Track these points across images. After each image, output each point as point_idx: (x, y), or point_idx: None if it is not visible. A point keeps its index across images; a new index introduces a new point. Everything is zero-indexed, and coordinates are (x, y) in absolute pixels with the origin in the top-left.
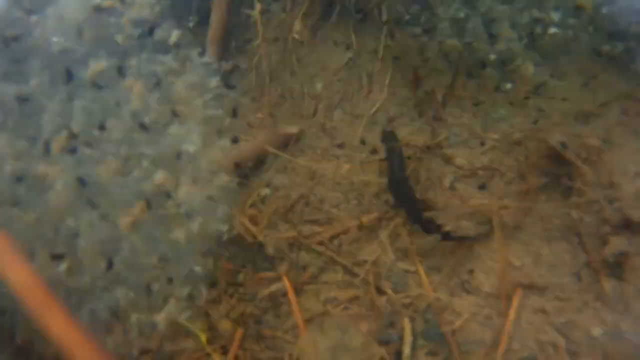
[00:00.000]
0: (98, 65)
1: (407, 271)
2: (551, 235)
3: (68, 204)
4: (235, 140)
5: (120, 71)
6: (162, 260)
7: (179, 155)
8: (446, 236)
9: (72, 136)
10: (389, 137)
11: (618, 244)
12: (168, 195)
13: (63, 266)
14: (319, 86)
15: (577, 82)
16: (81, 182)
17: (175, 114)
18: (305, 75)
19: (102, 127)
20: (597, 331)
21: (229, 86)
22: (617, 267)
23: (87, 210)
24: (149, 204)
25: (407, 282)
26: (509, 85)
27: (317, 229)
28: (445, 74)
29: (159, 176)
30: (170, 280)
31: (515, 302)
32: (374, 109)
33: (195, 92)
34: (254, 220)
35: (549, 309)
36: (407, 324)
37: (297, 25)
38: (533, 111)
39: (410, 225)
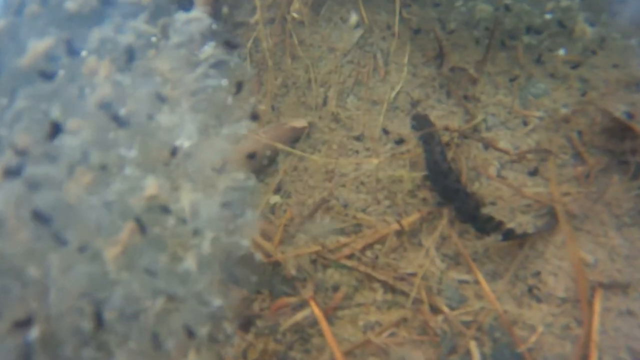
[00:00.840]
0: (41, 44)
1: (462, 281)
2: (623, 223)
3: (26, 247)
4: (254, 117)
5: (74, 49)
6: (170, 300)
7: (173, 152)
8: (509, 235)
9: (17, 153)
10: (422, 121)
11: None
12: (165, 210)
13: (32, 335)
14: (326, 70)
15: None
16: (37, 214)
17: (160, 99)
18: (309, 59)
19: (58, 131)
20: None
21: (230, 45)
22: None
23: (54, 249)
24: (140, 225)
25: (464, 295)
26: (561, 52)
27: (344, 239)
28: (474, 46)
29: (150, 185)
30: (186, 328)
31: (596, 306)
32: (394, 93)
33: (183, 65)
34: (265, 235)
35: (636, 309)
36: (473, 347)
37: (296, 3)
38: (577, 82)
39: (460, 226)
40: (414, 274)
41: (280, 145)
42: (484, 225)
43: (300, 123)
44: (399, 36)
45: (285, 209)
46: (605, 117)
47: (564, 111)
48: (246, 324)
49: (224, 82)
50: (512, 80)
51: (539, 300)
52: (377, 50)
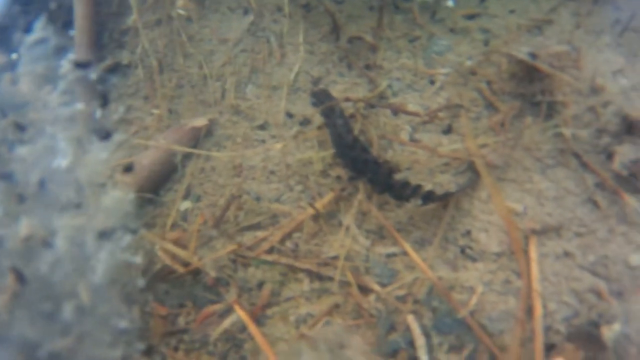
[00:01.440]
0: None
1: (390, 255)
2: (546, 165)
3: None
4: (106, 136)
5: None
6: (65, 333)
7: (42, 183)
8: (429, 197)
9: None
10: (321, 96)
11: (626, 151)
12: (46, 244)
13: None
14: (220, 63)
15: None
16: None
17: (19, 127)
18: (201, 54)
19: None
20: (635, 259)
21: (81, 65)
22: (633, 179)
23: None
24: (20, 277)
25: (394, 269)
26: (449, 3)
27: (261, 234)
28: (369, 14)
29: (24, 225)
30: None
31: (532, 254)
32: (293, 74)
33: (45, 86)
34: (180, 244)
35: (573, 250)
36: (411, 321)
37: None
38: (479, 33)
39: (378, 198)
40: (337, 257)
41: (179, 148)
42: (401, 192)
43: (200, 122)
44: (290, 16)
45: (197, 214)
46: (510, 62)
47: (469, 64)
48: (174, 343)
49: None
50: (412, 41)
51: (473, 259)
52: (270, 34)
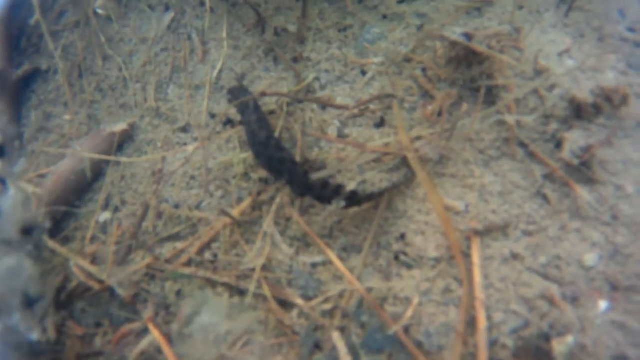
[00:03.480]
0: None
1: (315, 264)
2: (489, 157)
3: None
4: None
5: None
6: None
7: None
8: (352, 198)
9: None
10: (237, 92)
11: (576, 138)
12: None
13: None
14: (140, 64)
15: None
16: None
17: None
18: (121, 56)
19: None
20: (591, 258)
21: None
22: (585, 168)
23: None
24: None
25: (320, 280)
26: None
27: (180, 244)
28: (296, 5)
29: None
30: None
31: (475, 258)
32: (215, 72)
33: None
34: (98, 259)
35: (521, 251)
36: (338, 339)
37: None
38: (413, 19)
39: (302, 200)
40: (263, 268)
41: (95, 156)
42: (321, 193)
43: (119, 127)
44: (213, 10)
45: (116, 224)
46: (446, 46)
47: (403, 51)
48: None
49: None
50: (343, 30)
51: (409, 266)
52: (192, 31)
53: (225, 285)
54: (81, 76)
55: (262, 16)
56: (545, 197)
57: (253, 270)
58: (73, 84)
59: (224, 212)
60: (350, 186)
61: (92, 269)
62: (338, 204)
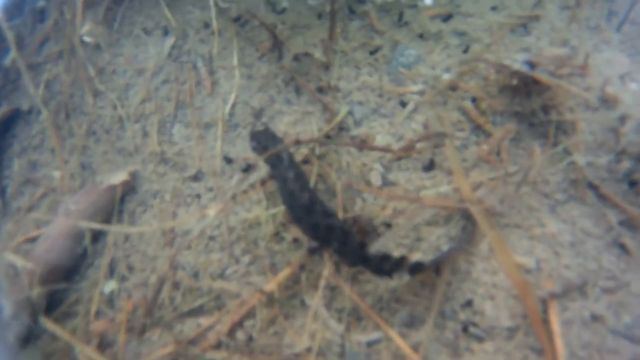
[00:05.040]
0: None
1: (372, 342)
2: (556, 201)
3: None
4: None
5: None
6: None
7: None
8: (417, 269)
9: None
10: (263, 138)
11: None
12: None
13: None
14: (138, 100)
15: None
16: None
17: None
18: (115, 91)
19: None
20: None
21: None
22: None
23: None
24: None
25: None
26: (428, 1)
27: (205, 321)
28: (317, 23)
29: None
30: None
31: (554, 324)
32: (228, 107)
33: None
34: (105, 340)
35: (603, 311)
36: None
37: (86, 24)
38: (452, 38)
39: (349, 268)
40: (306, 351)
41: (91, 225)
42: (381, 266)
43: (119, 177)
44: (220, 33)
45: (125, 297)
46: (499, 72)
47: (447, 77)
48: None
49: None
50: (373, 53)
51: (479, 338)
52: (197, 58)
53: None
54: (69, 117)
55: (279, 39)
56: (623, 247)
57: (298, 355)
58: (60, 126)
59: (261, 292)
60: (415, 257)
61: (98, 357)
62: (401, 279)
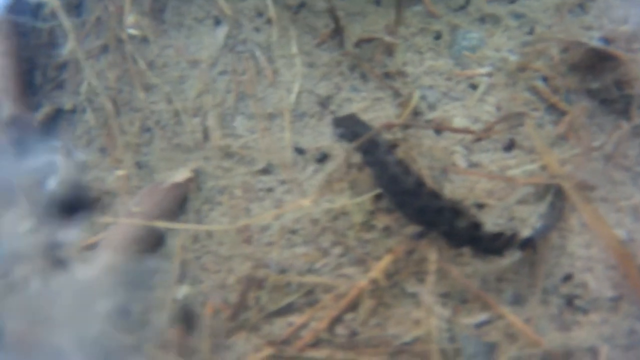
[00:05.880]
0: None
1: (481, 324)
2: (636, 174)
3: None
4: None
5: None
6: None
7: None
8: (527, 244)
9: None
10: (349, 125)
11: None
12: None
13: None
14: (195, 93)
15: None
16: None
17: None
18: (168, 84)
19: None
20: None
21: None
22: None
23: None
24: None
25: (491, 343)
26: None
27: (297, 319)
28: (374, 7)
29: None
30: None
31: None
32: (293, 96)
33: None
34: (186, 350)
35: None
36: None
37: (130, 15)
38: (511, 20)
39: (447, 250)
40: (415, 340)
41: (158, 224)
42: (492, 245)
43: (181, 175)
44: (277, 20)
45: (202, 301)
46: (569, 52)
47: (513, 58)
48: None
49: None
50: (437, 38)
51: (584, 311)
52: (255, 47)
53: None
54: (119, 114)
55: (340, 23)
56: None
57: (407, 343)
58: (109, 124)
59: (360, 274)
60: (524, 233)
61: None
62: (512, 256)
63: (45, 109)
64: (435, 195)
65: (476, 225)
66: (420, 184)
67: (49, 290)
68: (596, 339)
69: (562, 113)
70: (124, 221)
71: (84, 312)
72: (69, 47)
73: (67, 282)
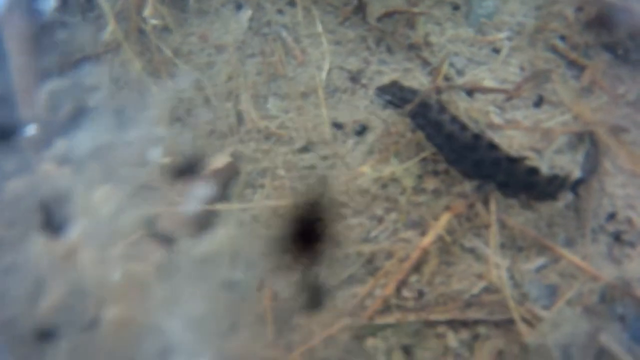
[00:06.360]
0: None
1: (540, 268)
2: None
3: None
4: None
5: None
6: None
7: None
8: (578, 184)
9: None
10: (396, 92)
11: None
12: None
13: None
14: (224, 78)
15: None
16: None
17: None
18: (196, 70)
19: None
20: None
21: None
22: None
23: None
24: None
25: (552, 284)
26: None
27: (360, 289)
28: None
29: None
30: None
31: None
32: (324, 73)
33: None
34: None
35: None
36: (608, 342)
37: (149, 5)
38: None
39: (499, 203)
40: (483, 290)
41: (217, 207)
42: (547, 189)
43: (221, 160)
44: (299, 1)
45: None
46: (588, 8)
47: (530, 22)
48: None
49: None
50: (456, 8)
51: (632, 244)
52: (281, 29)
53: (447, 323)
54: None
55: (363, 1)
56: None
57: (475, 295)
58: None
59: (433, 240)
60: (575, 175)
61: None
62: (565, 197)
63: (67, 107)
64: (493, 146)
65: (533, 170)
66: (477, 137)
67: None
68: None
69: (582, 68)
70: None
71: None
72: (109, 30)
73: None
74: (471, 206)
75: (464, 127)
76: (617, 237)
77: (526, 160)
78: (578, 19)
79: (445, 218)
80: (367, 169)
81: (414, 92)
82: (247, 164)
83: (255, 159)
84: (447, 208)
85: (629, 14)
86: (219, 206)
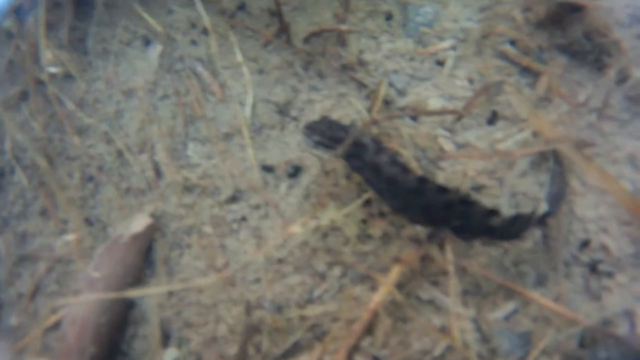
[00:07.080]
0: None
1: (509, 315)
2: (622, 120)
3: None
4: None
5: None
6: None
7: None
8: (545, 218)
9: None
10: (325, 129)
11: None
12: None
13: None
14: (137, 126)
15: None
16: None
17: None
18: (103, 121)
19: None
20: None
21: None
22: None
23: None
24: None
25: (524, 332)
26: None
27: (307, 358)
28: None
29: None
30: None
31: None
32: (247, 109)
33: None
34: None
35: None
36: None
37: (47, 52)
38: None
39: (454, 244)
40: (447, 350)
41: (127, 294)
42: (509, 230)
43: (140, 223)
44: (214, 29)
45: None
46: (537, 7)
47: (475, 26)
48: None
49: None
50: (388, 19)
51: (610, 274)
52: (195, 63)
53: None
54: (54, 166)
55: (285, 20)
56: None
57: (438, 358)
58: (45, 181)
59: (384, 298)
60: (541, 209)
61: None
62: (532, 236)
63: None
64: (442, 189)
65: (492, 212)
66: (422, 180)
67: None
68: (629, 300)
69: (537, 74)
70: (84, 298)
71: None
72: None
73: None
74: (424, 255)
75: (405, 169)
76: (592, 268)
77: (481, 202)
78: (527, 20)
79: (396, 270)
80: (297, 228)
81: (345, 129)
82: (171, 223)
83: (180, 216)
84: (397, 260)
85: (583, 11)
86: (131, 293)
